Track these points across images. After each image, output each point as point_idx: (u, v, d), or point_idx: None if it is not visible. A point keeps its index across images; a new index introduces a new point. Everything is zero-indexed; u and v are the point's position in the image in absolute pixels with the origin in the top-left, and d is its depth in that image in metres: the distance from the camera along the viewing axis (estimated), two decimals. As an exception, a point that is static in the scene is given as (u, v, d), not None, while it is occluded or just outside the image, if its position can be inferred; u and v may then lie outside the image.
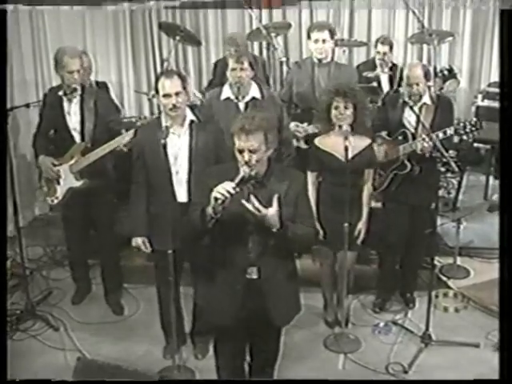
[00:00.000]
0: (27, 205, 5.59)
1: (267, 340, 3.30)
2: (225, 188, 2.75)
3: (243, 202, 2.79)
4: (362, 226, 4.09)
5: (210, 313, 3.21)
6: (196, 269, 3.65)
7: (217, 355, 3.36)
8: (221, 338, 3.27)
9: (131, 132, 3.93)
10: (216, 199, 2.76)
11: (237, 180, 2.79)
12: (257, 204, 2.80)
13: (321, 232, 4.06)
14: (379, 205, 4.47)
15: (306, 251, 4.37)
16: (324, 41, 4.68)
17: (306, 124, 4.63)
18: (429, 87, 4.24)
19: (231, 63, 4.21)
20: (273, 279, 3.03)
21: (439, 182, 5.10)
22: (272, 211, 2.82)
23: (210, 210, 2.80)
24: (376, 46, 5.85)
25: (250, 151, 2.85)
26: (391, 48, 5.80)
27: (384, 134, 4.30)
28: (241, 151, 2.88)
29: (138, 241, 3.83)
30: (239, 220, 2.88)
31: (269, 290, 3.03)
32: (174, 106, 3.51)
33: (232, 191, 2.75)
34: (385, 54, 5.74)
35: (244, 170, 2.84)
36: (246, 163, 2.85)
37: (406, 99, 4.14)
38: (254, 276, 3.01)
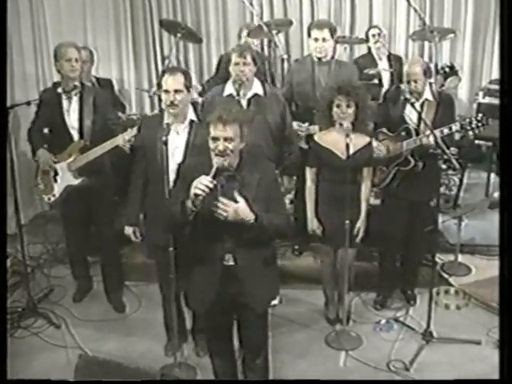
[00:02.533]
0: (28, 202, 5.60)
1: (252, 327, 3.29)
2: (203, 183, 2.86)
3: (215, 203, 2.92)
4: (360, 224, 4.08)
5: (190, 299, 3.31)
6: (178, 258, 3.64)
7: (208, 345, 3.50)
8: (205, 323, 3.40)
9: (133, 130, 3.93)
10: (196, 195, 2.86)
11: (212, 173, 2.90)
12: (225, 201, 2.92)
13: (319, 230, 4.08)
14: (378, 202, 4.47)
15: (282, 237, 4.39)
16: (324, 39, 4.63)
17: (307, 124, 4.62)
18: (430, 84, 4.23)
19: (234, 57, 4.19)
20: (249, 265, 3.10)
21: (440, 178, 5.10)
22: (241, 205, 2.94)
23: (189, 203, 2.91)
24: (367, 37, 6.03)
25: (225, 139, 2.96)
26: (380, 30, 6.03)
27: (385, 130, 4.30)
28: (215, 139, 2.98)
29: (129, 230, 3.88)
30: (212, 209, 2.96)
31: (245, 276, 3.10)
32: (172, 103, 3.53)
33: (210, 185, 2.86)
34: (379, 35, 5.94)
35: (217, 162, 2.95)
36: (220, 152, 2.95)
37: (407, 96, 4.13)
38: (231, 262, 3.09)
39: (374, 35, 5.98)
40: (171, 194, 3.31)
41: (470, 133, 4.07)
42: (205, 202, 2.89)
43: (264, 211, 3.01)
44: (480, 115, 4.02)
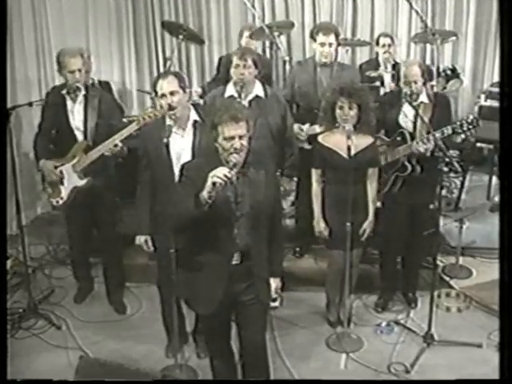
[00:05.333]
0: (30, 203, 5.60)
1: (252, 326, 3.29)
2: (222, 172, 2.85)
3: None
4: (367, 225, 4.08)
5: (196, 302, 3.27)
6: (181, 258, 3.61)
7: (207, 347, 3.54)
8: (205, 324, 3.42)
9: (132, 126, 3.93)
10: (214, 184, 2.85)
11: (231, 164, 2.92)
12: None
13: (326, 231, 4.08)
14: (379, 204, 4.47)
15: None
16: (330, 44, 4.64)
17: (308, 125, 4.62)
18: (424, 84, 4.20)
19: (235, 60, 4.19)
20: (257, 262, 3.14)
21: (441, 181, 5.08)
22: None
23: (205, 194, 2.88)
24: (378, 42, 5.88)
25: (240, 137, 2.99)
26: (393, 40, 5.84)
27: (382, 133, 4.29)
28: (230, 139, 2.99)
29: (141, 239, 3.86)
30: (225, 207, 3.01)
31: (256, 271, 3.14)
32: (170, 105, 3.53)
33: (229, 175, 2.86)
34: (389, 45, 5.78)
35: (234, 157, 2.96)
36: (236, 150, 2.97)
37: (408, 98, 4.12)
38: (239, 261, 3.10)
39: (384, 45, 5.80)
40: (177, 191, 3.24)
41: (463, 135, 4.07)
42: (218, 194, 2.88)
43: (272, 209, 3.15)
44: (471, 117, 4.02)
